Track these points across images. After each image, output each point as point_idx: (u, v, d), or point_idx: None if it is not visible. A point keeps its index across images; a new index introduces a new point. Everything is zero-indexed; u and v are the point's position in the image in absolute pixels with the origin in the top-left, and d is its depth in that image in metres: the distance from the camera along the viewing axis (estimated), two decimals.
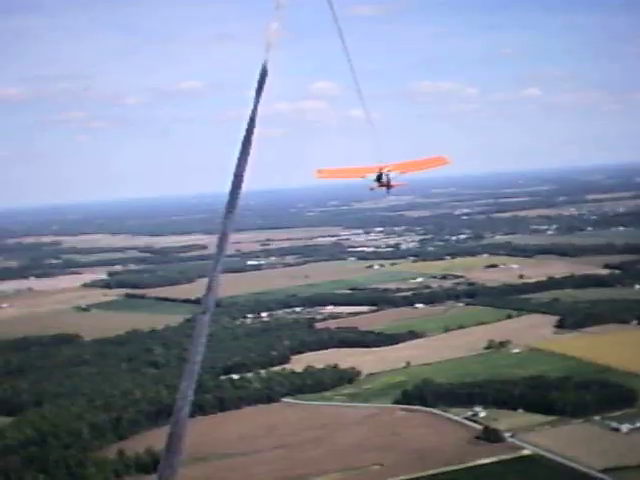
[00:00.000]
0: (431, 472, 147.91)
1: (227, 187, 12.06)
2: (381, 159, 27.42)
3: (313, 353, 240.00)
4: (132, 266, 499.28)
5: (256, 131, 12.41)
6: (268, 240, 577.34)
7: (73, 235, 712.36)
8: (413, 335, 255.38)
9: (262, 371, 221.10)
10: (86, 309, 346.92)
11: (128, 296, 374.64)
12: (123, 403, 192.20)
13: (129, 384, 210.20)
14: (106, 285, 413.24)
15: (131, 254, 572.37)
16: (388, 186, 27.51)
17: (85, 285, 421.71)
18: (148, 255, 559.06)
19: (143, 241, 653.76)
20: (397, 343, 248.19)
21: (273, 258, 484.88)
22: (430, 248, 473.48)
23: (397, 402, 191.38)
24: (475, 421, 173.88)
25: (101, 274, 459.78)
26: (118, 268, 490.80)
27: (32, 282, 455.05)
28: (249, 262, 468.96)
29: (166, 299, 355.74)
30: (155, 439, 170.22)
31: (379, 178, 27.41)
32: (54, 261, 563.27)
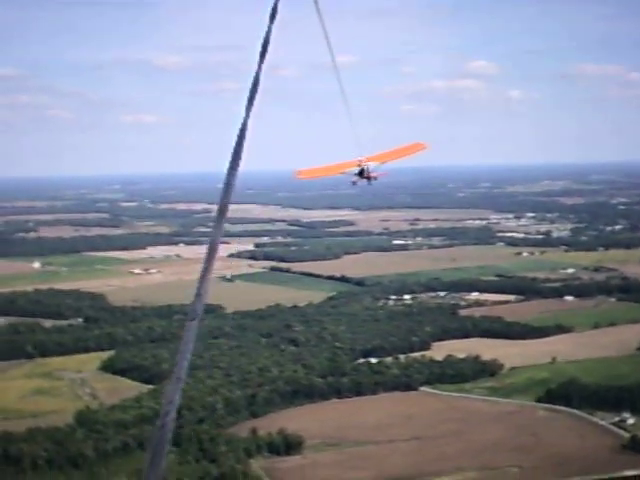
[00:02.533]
0: None
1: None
2: (362, 153, 27.77)
3: (455, 341, 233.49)
4: (279, 238, 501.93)
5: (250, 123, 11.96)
6: (416, 220, 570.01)
7: None
8: (561, 329, 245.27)
9: (401, 356, 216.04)
10: (230, 280, 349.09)
11: (273, 269, 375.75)
12: (259, 380, 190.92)
13: (267, 360, 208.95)
14: (252, 256, 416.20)
15: (279, 226, 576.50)
16: (369, 178, 27.99)
17: (231, 255, 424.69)
18: (296, 228, 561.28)
19: (292, 214, 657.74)
20: (543, 337, 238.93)
21: (420, 238, 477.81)
22: (583, 238, 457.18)
23: (540, 400, 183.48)
24: (623, 428, 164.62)
25: (248, 245, 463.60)
26: (265, 240, 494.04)
27: (181, 249, 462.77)
28: (395, 241, 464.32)
29: (311, 274, 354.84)
30: (289, 420, 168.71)
31: (361, 172, 27.80)
32: (203, 229, 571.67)
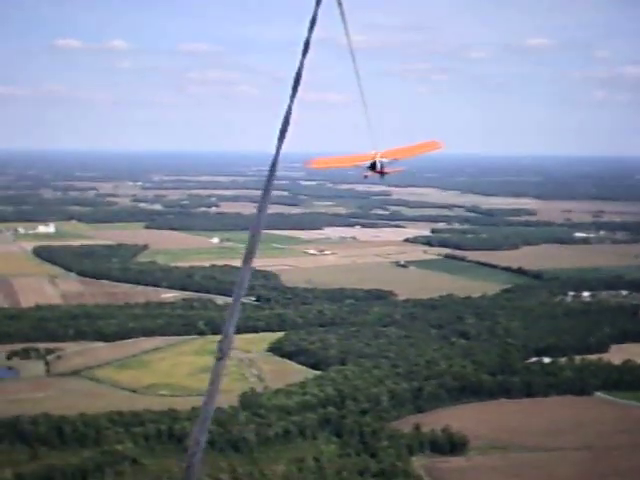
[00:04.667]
0: None
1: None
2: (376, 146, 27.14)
3: (635, 345, 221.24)
4: (456, 225, 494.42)
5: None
6: (600, 212, 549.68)
7: (403, 187, 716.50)
8: None
9: (577, 358, 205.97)
10: (404, 265, 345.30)
11: (447, 257, 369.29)
12: (426, 373, 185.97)
13: (435, 353, 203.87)
14: (427, 242, 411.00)
15: (457, 212, 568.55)
16: (382, 173, 27.82)
17: (407, 240, 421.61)
18: (474, 215, 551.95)
19: (471, 200, 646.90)
20: None
21: (603, 232, 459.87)
22: None
23: None
24: None
25: (424, 230, 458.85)
26: (442, 226, 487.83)
27: (357, 231, 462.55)
28: (577, 234, 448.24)
29: (486, 264, 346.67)
30: (454, 418, 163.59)
31: (373, 166, 27.52)
32: (381, 212, 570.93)
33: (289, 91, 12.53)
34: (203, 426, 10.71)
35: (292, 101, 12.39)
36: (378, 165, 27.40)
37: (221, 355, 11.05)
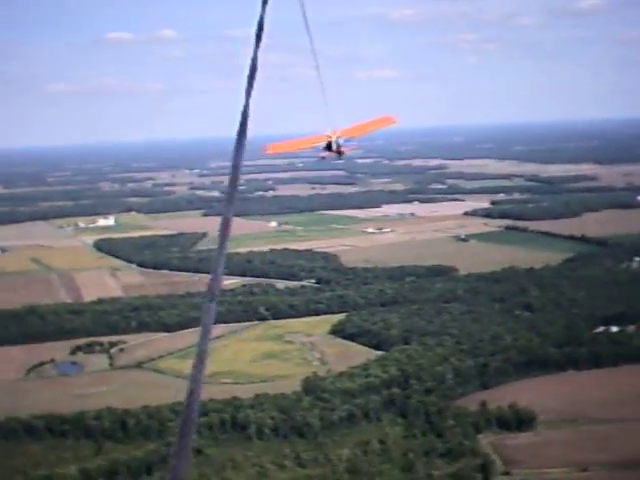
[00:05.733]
0: None
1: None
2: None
3: None
4: (516, 195, 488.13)
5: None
6: None
7: (459, 159, 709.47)
8: None
9: None
10: (464, 239, 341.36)
11: (509, 228, 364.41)
12: (491, 348, 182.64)
13: (499, 328, 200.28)
14: (487, 214, 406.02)
15: (516, 182, 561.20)
16: (339, 152, 27.40)
17: (466, 213, 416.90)
18: (534, 184, 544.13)
19: (530, 168, 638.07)
20: None
21: None
22: None
23: None
24: None
25: (484, 202, 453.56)
26: (501, 197, 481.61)
27: (415, 207, 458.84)
28: (639, 197, 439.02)
29: (548, 234, 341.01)
30: (521, 392, 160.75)
31: (329, 146, 27.18)
32: (439, 186, 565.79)
33: (244, 83, 12.25)
34: (200, 365, 11.15)
35: (249, 94, 12.24)
36: (334, 145, 27.41)
37: (212, 297, 11.26)
